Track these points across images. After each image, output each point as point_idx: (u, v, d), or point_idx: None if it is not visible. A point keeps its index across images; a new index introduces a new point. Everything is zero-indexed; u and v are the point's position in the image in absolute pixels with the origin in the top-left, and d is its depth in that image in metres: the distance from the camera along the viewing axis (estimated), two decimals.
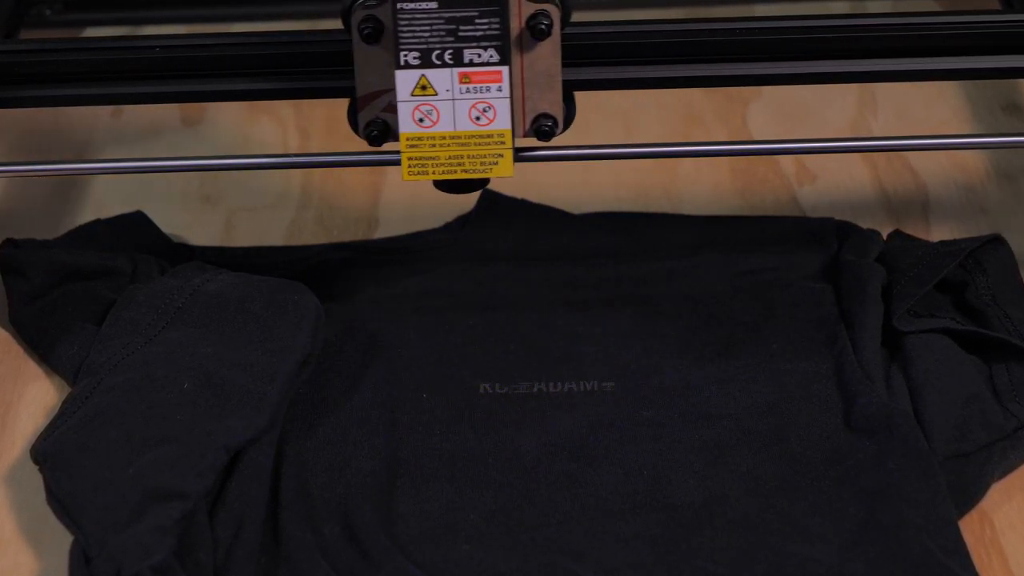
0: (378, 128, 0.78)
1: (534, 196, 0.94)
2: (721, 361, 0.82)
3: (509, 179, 0.94)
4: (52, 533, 0.74)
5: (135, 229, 0.92)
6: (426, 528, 0.74)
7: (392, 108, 0.77)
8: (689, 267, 0.89)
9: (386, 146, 0.79)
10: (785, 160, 0.99)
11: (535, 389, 0.81)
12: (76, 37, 1.08)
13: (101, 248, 0.89)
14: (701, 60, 0.82)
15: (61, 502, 0.72)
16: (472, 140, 0.77)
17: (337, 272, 0.90)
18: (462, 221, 0.93)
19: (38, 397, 0.84)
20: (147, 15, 1.12)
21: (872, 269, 0.84)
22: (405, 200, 0.97)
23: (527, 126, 0.78)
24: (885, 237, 0.89)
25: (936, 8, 0.84)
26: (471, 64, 0.75)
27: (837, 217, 0.92)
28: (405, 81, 0.75)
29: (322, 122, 1.04)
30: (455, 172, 0.78)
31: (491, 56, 0.74)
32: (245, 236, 0.95)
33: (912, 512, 0.72)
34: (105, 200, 0.98)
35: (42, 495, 0.74)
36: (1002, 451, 0.77)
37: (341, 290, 0.88)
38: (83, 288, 0.85)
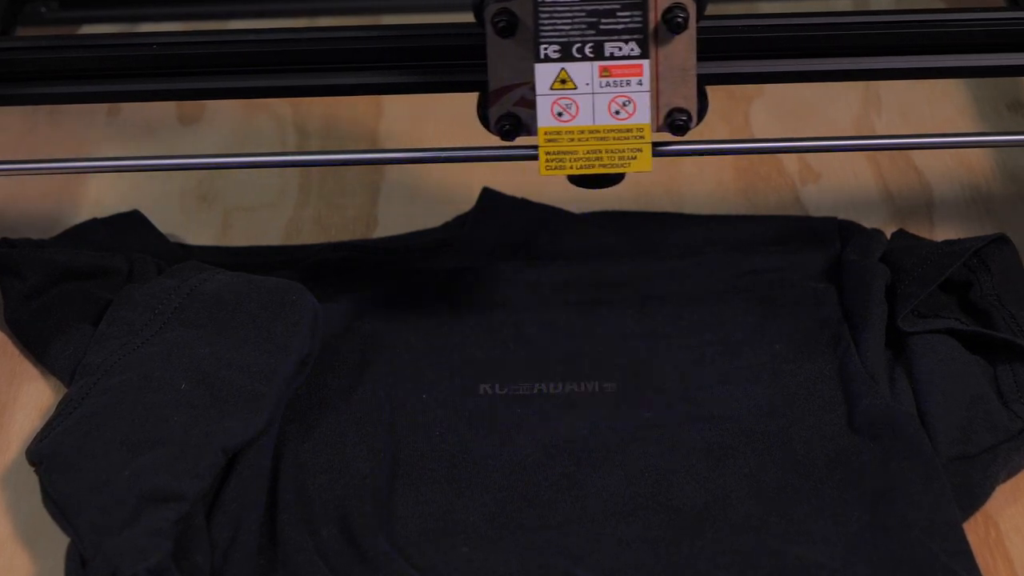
0: (510, 122, 0.77)
1: (534, 196, 0.94)
2: (723, 362, 0.82)
3: (509, 178, 0.94)
4: (48, 535, 0.74)
5: (131, 228, 0.92)
6: (425, 530, 0.74)
7: (524, 102, 0.77)
8: (691, 267, 0.89)
9: (518, 140, 0.78)
10: (788, 159, 0.99)
11: (535, 390, 0.81)
12: (72, 34, 1.08)
13: (97, 248, 0.89)
14: (703, 58, 0.81)
15: (57, 504, 0.72)
16: (611, 134, 0.76)
17: (335, 272, 0.89)
18: (461, 221, 0.93)
19: (34, 398, 0.84)
20: (144, 12, 1.12)
21: (876, 269, 0.84)
22: (404, 200, 0.97)
23: (661, 120, 0.78)
24: (889, 236, 0.89)
25: (940, 5, 0.84)
26: (612, 57, 0.75)
27: (840, 216, 0.92)
28: (545, 75, 0.75)
29: (320, 121, 1.04)
30: (593, 167, 0.77)
31: (632, 50, 0.74)
32: (242, 235, 0.95)
33: (916, 514, 0.72)
34: (101, 199, 0.98)
35: (38, 497, 0.74)
36: (1007, 453, 0.77)
37: (339, 290, 0.87)
38: (79, 288, 0.85)
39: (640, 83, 0.75)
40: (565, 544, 0.73)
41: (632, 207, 0.95)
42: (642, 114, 0.76)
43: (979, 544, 0.74)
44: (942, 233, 0.92)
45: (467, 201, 0.94)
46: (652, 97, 0.76)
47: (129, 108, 1.05)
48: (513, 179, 0.94)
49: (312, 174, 1.00)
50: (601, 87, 0.75)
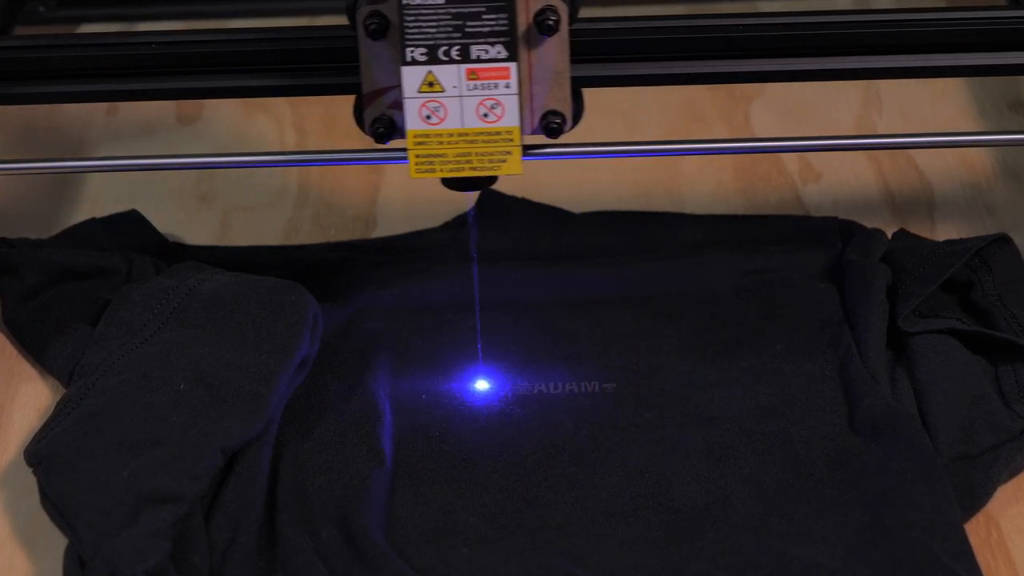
0: (384, 125, 0.77)
1: (534, 195, 0.94)
2: (724, 362, 0.82)
3: (509, 177, 0.94)
4: (47, 536, 0.74)
5: (130, 228, 0.92)
6: (425, 531, 0.74)
7: (398, 105, 0.76)
8: (691, 267, 0.89)
9: (392, 143, 0.79)
10: (789, 158, 0.99)
11: (535, 390, 0.81)
12: (71, 33, 1.08)
13: (96, 248, 0.89)
14: (704, 57, 0.81)
15: (55, 505, 0.72)
16: (480, 137, 0.76)
17: (335, 272, 0.89)
18: (461, 220, 0.93)
19: (32, 398, 0.84)
20: (142, 11, 1.12)
21: (877, 269, 0.84)
22: (403, 199, 0.97)
23: (535, 123, 0.77)
24: (890, 236, 0.89)
25: (941, 4, 0.84)
26: (479, 60, 0.74)
27: (841, 216, 0.92)
28: (412, 77, 0.75)
29: (319, 120, 1.04)
30: (463, 170, 0.77)
31: (499, 52, 0.74)
32: (241, 235, 0.95)
33: (917, 515, 0.72)
34: (100, 199, 0.97)
35: (36, 498, 0.73)
36: (1008, 453, 0.77)
37: (339, 290, 0.87)
38: (77, 288, 0.85)
39: (508, 86, 0.75)
40: (565, 545, 0.73)
41: (632, 207, 0.95)
42: (511, 117, 0.76)
43: (980, 545, 0.74)
44: (943, 233, 0.92)
45: (467, 201, 0.93)
46: (524, 100, 0.76)
47: (127, 107, 1.05)
48: (513, 179, 0.94)
49: (311, 174, 1.00)
50: (469, 90, 0.75)
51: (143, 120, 1.04)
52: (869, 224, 0.90)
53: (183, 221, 0.96)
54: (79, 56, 0.82)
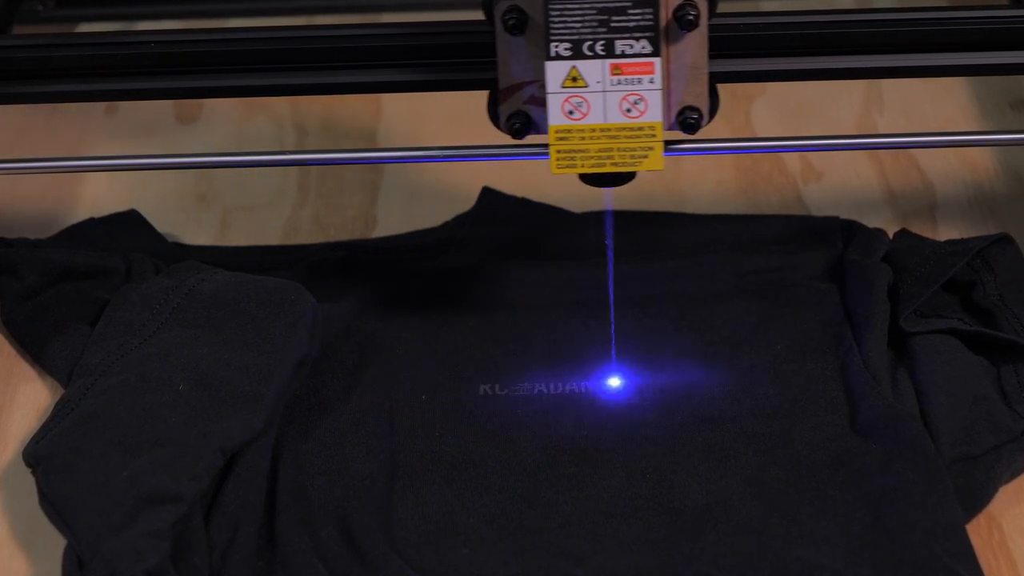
0: (521, 120, 0.77)
1: (534, 194, 0.94)
2: (724, 362, 0.82)
3: (509, 177, 0.94)
4: (45, 537, 0.73)
5: (129, 228, 0.92)
6: (425, 532, 0.74)
7: (535, 100, 0.76)
8: (692, 266, 0.88)
9: (528, 139, 0.78)
10: (790, 158, 0.99)
11: (535, 391, 0.81)
12: (69, 32, 1.08)
13: (95, 248, 0.89)
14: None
15: (54, 505, 0.72)
16: (623, 133, 0.76)
17: (334, 272, 0.89)
18: (461, 220, 0.93)
19: (30, 399, 0.84)
20: (141, 10, 1.12)
21: (878, 269, 0.84)
22: (403, 199, 0.97)
23: (672, 118, 0.77)
24: (891, 236, 0.89)
25: (943, 3, 0.84)
26: (623, 55, 0.74)
27: (843, 216, 0.92)
28: (555, 72, 0.75)
29: (319, 119, 1.04)
30: (604, 165, 0.77)
31: (643, 47, 0.74)
32: (241, 235, 0.95)
33: (919, 516, 0.72)
34: (99, 199, 0.97)
35: (35, 498, 0.73)
36: (1010, 454, 0.77)
37: (338, 290, 0.87)
38: (76, 288, 0.85)
39: (652, 81, 0.75)
40: (566, 545, 0.73)
41: (633, 207, 0.95)
42: (654, 112, 0.75)
43: (982, 546, 0.74)
44: (945, 233, 0.92)
45: (467, 201, 0.93)
46: (663, 95, 0.76)
47: (127, 107, 1.05)
48: (513, 179, 0.94)
49: (311, 173, 0.99)
50: (612, 85, 0.75)
51: (142, 119, 1.04)
52: (871, 224, 0.90)
53: (182, 221, 0.95)
54: (78, 55, 0.82)
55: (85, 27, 1.11)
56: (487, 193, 0.93)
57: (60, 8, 1.11)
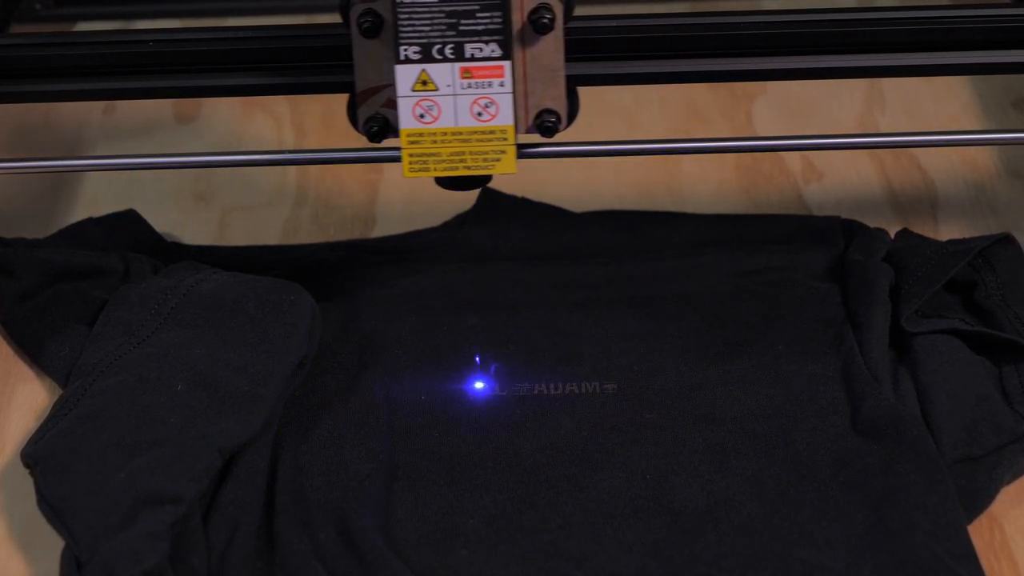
0: (378, 124, 0.77)
1: (534, 194, 0.94)
2: (725, 362, 0.82)
3: (509, 176, 0.94)
4: (43, 538, 0.73)
5: (127, 228, 0.92)
6: (424, 533, 0.74)
7: (392, 103, 0.76)
8: (692, 266, 0.88)
9: (386, 142, 0.78)
10: (791, 157, 0.99)
11: (535, 391, 0.81)
12: (67, 31, 1.08)
13: (93, 247, 0.89)
14: (705, 55, 0.81)
15: (52, 506, 0.72)
16: (474, 136, 0.76)
17: (334, 272, 0.89)
18: (461, 220, 0.93)
19: (29, 399, 0.84)
20: (140, 9, 1.12)
21: (879, 269, 0.84)
22: (403, 199, 0.97)
23: (530, 122, 0.77)
24: (893, 236, 0.89)
25: (945, 2, 0.84)
26: (472, 59, 0.74)
27: (844, 215, 0.92)
28: (405, 76, 0.75)
29: (318, 118, 1.04)
30: (457, 169, 0.77)
31: (493, 51, 0.74)
32: (240, 235, 0.95)
33: (920, 517, 0.72)
34: (97, 198, 0.97)
35: (33, 499, 0.73)
36: (1012, 454, 0.77)
37: (338, 290, 0.87)
38: (74, 288, 0.85)
39: (502, 84, 0.75)
40: (566, 546, 0.73)
41: (633, 206, 0.95)
42: (505, 115, 0.76)
43: (984, 547, 0.74)
44: (946, 232, 0.92)
45: (466, 200, 0.93)
46: (520, 98, 0.76)
47: (125, 106, 1.05)
48: (513, 179, 0.94)
49: (310, 173, 0.99)
50: (463, 88, 0.75)
51: (140, 119, 1.04)
52: (872, 223, 0.90)
53: (181, 220, 0.95)
54: (76, 54, 0.82)
55: (83, 26, 1.11)
56: (487, 193, 0.93)
57: (58, 7, 1.11)
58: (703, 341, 0.83)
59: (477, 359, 0.82)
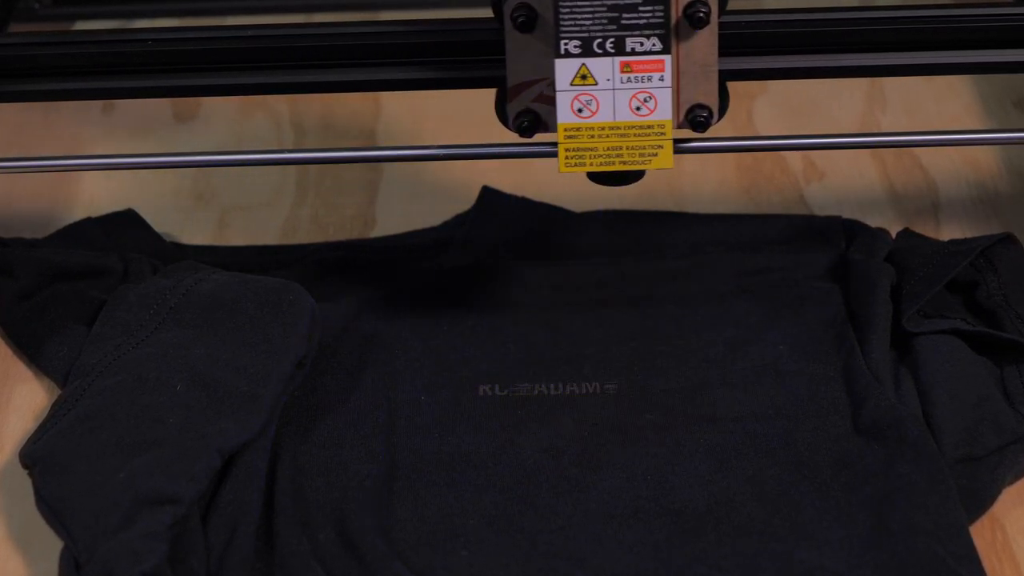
0: (529, 119, 0.77)
1: (534, 194, 0.94)
2: (726, 363, 0.82)
3: (509, 177, 0.94)
4: (42, 538, 0.73)
5: (126, 228, 0.92)
6: (424, 533, 0.73)
7: (543, 98, 0.76)
8: (693, 266, 0.88)
9: (537, 137, 0.78)
10: (792, 157, 0.99)
11: (535, 391, 0.81)
12: (66, 30, 1.08)
13: (91, 247, 0.89)
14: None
15: (51, 507, 0.72)
16: (632, 131, 0.76)
17: (333, 272, 0.89)
18: (461, 220, 0.93)
19: (27, 400, 0.84)
20: (138, 8, 1.12)
21: (881, 269, 0.84)
22: (402, 199, 0.97)
23: (682, 117, 0.77)
24: (894, 236, 0.89)
25: (946, 0, 0.84)
26: (633, 53, 0.74)
27: (845, 215, 0.92)
28: (565, 70, 0.74)
29: (317, 118, 1.04)
30: (613, 164, 0.77)
31: (653, 45, 0.74)
32: (239, 235, 0.95)
33: (922, 517, 0.72)
34: (95, 198, 0.97)
35: (31, 499, 0.73)
36: (1014, 455, 0.76)
37: (337, 290, 0.87)
38: (72, 288, 0.85)
39: (661, 79, 0.74)
40: (566, 547, 0.72)
41: (634, 206, 0.95)
42: (663, 110, 0.75)
43: (985, 548, 0.74)
44: (948, 232, 0.92)
45: (466, 200, 0.93)
46: (673, 93, 0.75)
47: (124, 105, 1.05)
48: (513, 178, 0.94)
49: (310, 172, 0.99)
50: (622, 83, 0.75)
51: (139, 118, 1.04)
52: (873, 223, 0.90)
53: (180, 220, 0.95)
54: (74, 53, 0.82)
55: (82, 25, 1.11)
56: (487, 193, 0.93)
57: (57, 6, 1.11)
58: (704, 341, 0.83)
59: (478, 360, 0.82)
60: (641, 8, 0.73)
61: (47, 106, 1.04)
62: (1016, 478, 0.77)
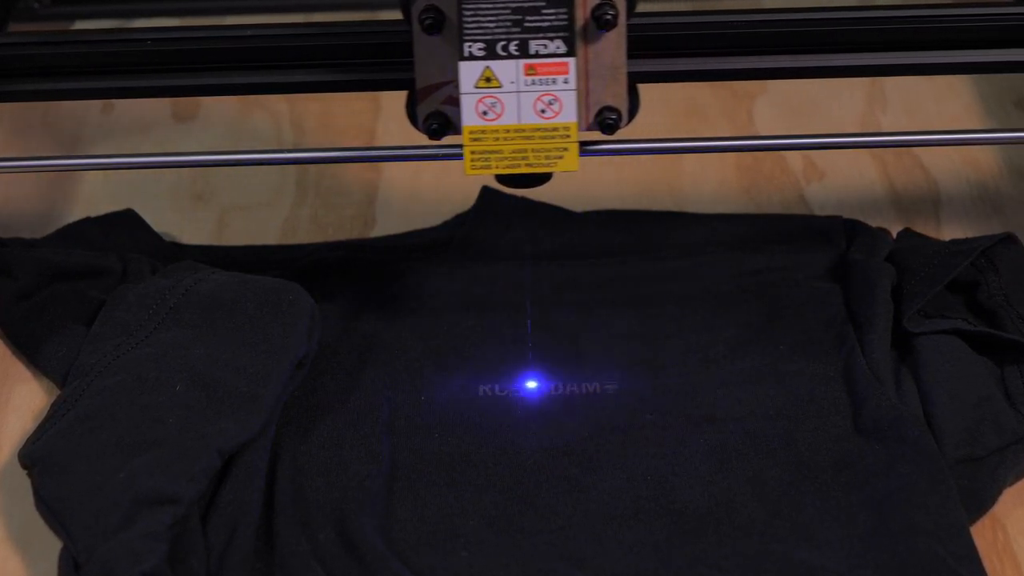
0: (438, 121, 0.77)
1: (534, 194, 0.94)
2: (726, 363, 0.82)
3: None
4: (41, 539, 0.73)
5: (125, 228, 0.92)
6: (424, 534, 0.73)
7: (452, 100, 0.76)
8: (693, 266, 0.88)
9: (446, 139, 0.78)
10: (792, 157, 0.99)
11: (535, 391, 0.81)
12: (65, 30, 1.08)
13: (90, 247, 0.89)
14: (705, 54, 0.81)
15: (50, 507, 0.72)
16: (537, 133, 0.76)
17: (333, 272, 0.89)
18: (461, 220, 0.93)
19: (26, 400, 0.84)
20: (138, 8, 1.12)
21: (881, 269, 0.84)
22: (402, 199, 0.97)
23: (590, 119, 0.77)
24: (895, 236, 0.89)
25: (947, 0, 0.84)
26: (537, 55, 0.74)
27: (845, 215, 0.92)
28: (469, 73, 0.75)
29: (317, 117, 1.04)
30: (519, 166, 0.77)
31: (557, 47, 0.74)
32: (238, 235, 0.95)
33: (923, 518, 0.72)
34: (95, 198, 0.97)
35: (31, 500, 0.73)
36: (1014, 455, 0.77)
37: (337, 290, 0.87)
38: (72, 288, 0.85)
39: (566, 81, 0.75)
40: (566, 548, 0.73)
41: (634, 206, 0.95)
42: (568, 113, 0.75)
43: (986, 548, 0.74)
44: (949, 232, 0.92)
45: (466, 200, 0.93)
46: (580, 96, 0.76)
47: (123, 105, 1.05)
48: None
49: (309, 172, 0.99)
50: (527, 85, 0.75)
51: (139, 118, 1.04)
52: (874, 223, 0.90)
53: (179, 220, 0.95)
54: (74, 53, 0.82)
55: (81, 24, 1.11)
56: (487, 193, 0.93)
57: (56, 5, 1.11)
58: (704, 341, 0.83)
59: (478, 359, 0.82)
60: (545, 11, 0.73)
61: (46, 105, 1.04)
62: (1017, 478, 0.77)
